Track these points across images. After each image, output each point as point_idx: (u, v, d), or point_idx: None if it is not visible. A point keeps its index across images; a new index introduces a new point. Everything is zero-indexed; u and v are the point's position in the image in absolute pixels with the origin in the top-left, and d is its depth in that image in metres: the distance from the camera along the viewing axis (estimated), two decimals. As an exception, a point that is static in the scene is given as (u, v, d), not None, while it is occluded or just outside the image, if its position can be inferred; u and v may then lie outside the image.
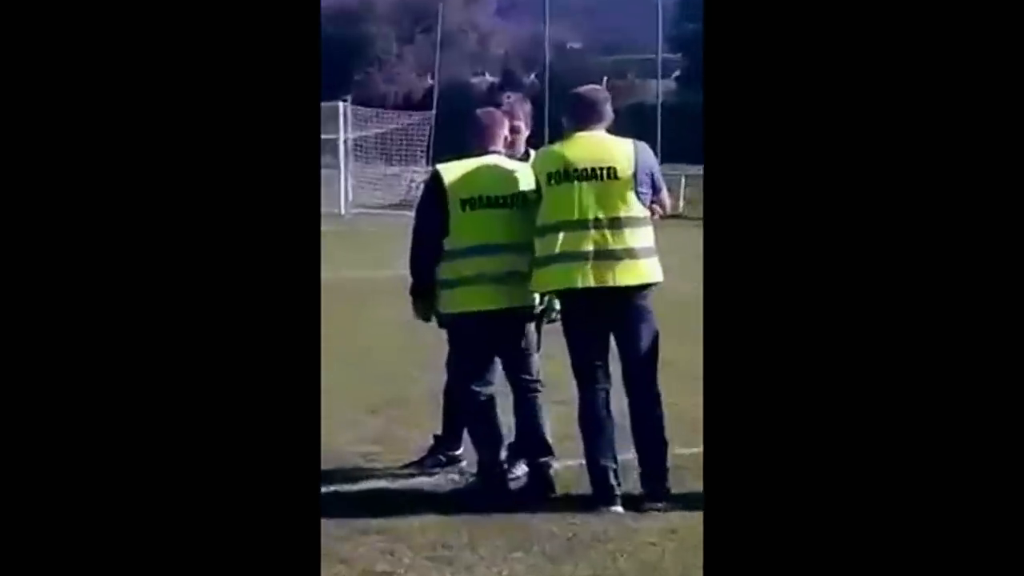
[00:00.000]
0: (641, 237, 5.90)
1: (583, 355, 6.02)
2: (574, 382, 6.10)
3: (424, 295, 6.16)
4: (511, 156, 6.35)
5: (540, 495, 6.04)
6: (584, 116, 6.08)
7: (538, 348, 6.37)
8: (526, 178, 6.08)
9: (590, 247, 5.85)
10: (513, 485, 6.20)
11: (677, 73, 55.43)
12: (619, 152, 5.95)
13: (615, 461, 5.97)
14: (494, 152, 6.15)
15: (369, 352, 10.53)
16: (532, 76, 52.27)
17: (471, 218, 5.98)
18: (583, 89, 6.37)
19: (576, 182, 5.89)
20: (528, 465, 6.19)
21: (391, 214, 29.96)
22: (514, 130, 6.42)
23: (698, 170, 33.83)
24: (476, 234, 5.99)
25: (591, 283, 5.84)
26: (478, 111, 6.38)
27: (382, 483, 6.50)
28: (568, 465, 6.53)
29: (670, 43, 52.87)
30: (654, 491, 5.97)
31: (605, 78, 32.85)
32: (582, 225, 5.86)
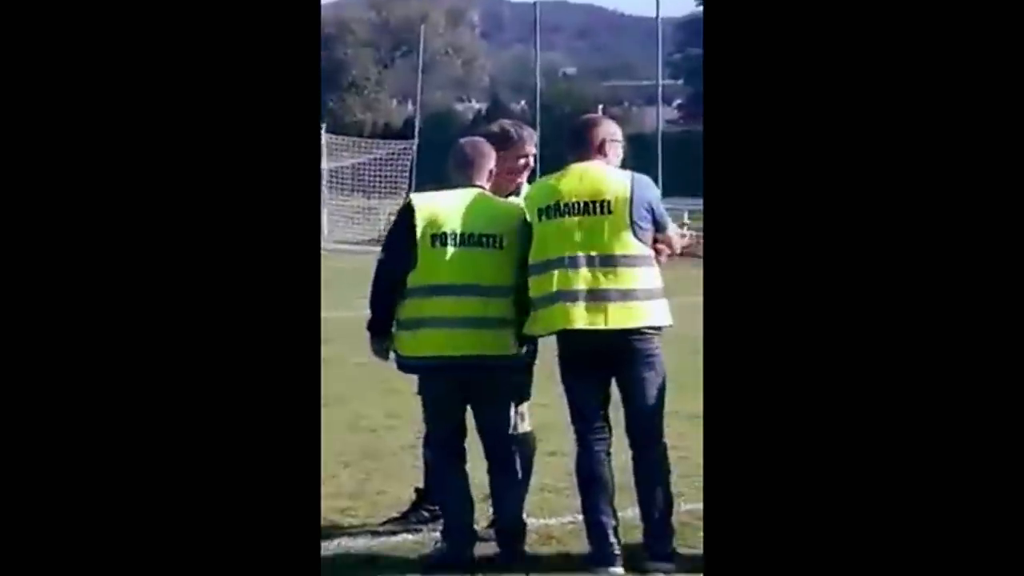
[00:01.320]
0: (640, 277, 5.84)
1: (580, 403, 5.97)
2: (571, 431, 6.04)
3: (381, 333, 6.11)
4: (513, 192, 6.30)
5: (507, 561, 5.97)
6: (579, 147, 6.05)
7: (528, 397, 6.32)
8: (512, 217, 6.03)
9: (582, 286, 5.81)
10: (487, 548, 6.12)
11: (679, 101, 55.73)
12: (614, 185, 5.90)
13: (615, 518, 5.91)
14: (478, 187, 6.10)
15: (343, 399, 10.47)
16: (521, 103, 52.49)
17: (440, 255, 5.92)
18: (582, 118, 6.35)
19: (568, 217, 5.86)
20: (497, 533, 6.12)
21: (370, 250, 29.95)
22: (526, 163, 6.38)
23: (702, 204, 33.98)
24: (444, 273, 5.92)
25: (582, 325, 5.80)
26: (462, 141, 6.30)
27: (361, 541, 6.42)
28: (564, 522, 6.48)
29: (671, 69, 53.19)
30: (658, 551, 5.90)
31: (600, 106, 32.99)
32: (573, 263, 5.82)
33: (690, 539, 6.13)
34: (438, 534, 6.22)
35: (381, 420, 9.36)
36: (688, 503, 6.55)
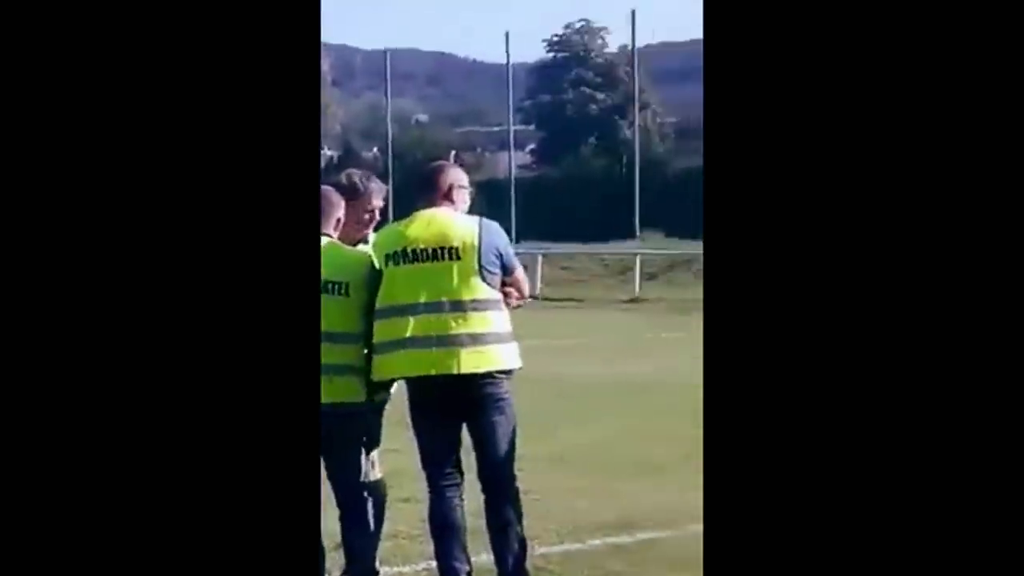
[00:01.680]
0: (490, 321, 5.86)
1: (431, 448, 5.95)
2: (423, 477, 6.01)
3: None
4: (361, 240, 6.28)
5: None
6: (427, 193, 6.07)
7: (378, 444, 6.29)
8: (359, 264, 6.03)
9: (431, 332, 5.81)
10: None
11: (532, 146, 56.09)
12: (462, 231, 5.92)
13: (469, 563, 5.89)
14: (325, 235, 6.08)
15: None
16: (374, 149, 52.46)
17: None
18: (430, 165, 6.38)
19: (416, 263, 5.86)
20: None
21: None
22: (371, 216, 6.35)
23: (559, 247, 34.19)
24: None
25: (433, 371, 5.79)
26: None
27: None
28: (418, 569, 6.44)
29: (523, 114, 53.56)
30: (512, 596, 5.88)
31: (452, 152, 33.06)
32: (422, 308, 5.82)
33: (544, 583, 6.13)
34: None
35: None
36: (541, 547, 6.56)
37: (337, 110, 65.39)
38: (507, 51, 40.50)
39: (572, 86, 55.44)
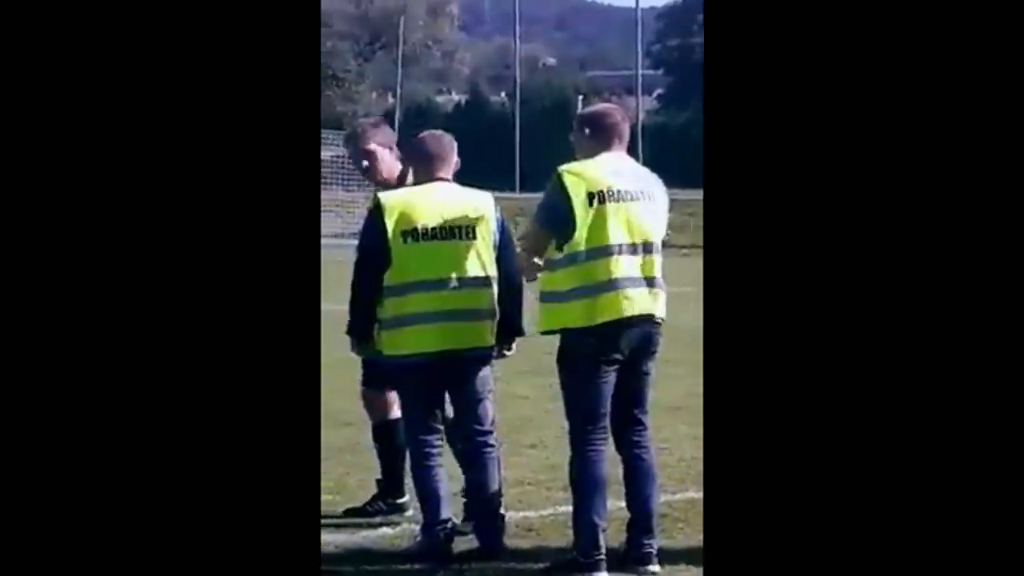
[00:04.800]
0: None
1: (595, 402, 5.71)
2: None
3: (362, 333, 6.07)
4: (385, 184, 6.30)
5: (487, 554, 5.94)
6: (605, 135, 5.90)
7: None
8: (478, 207, 6.01)
9: (639, 274, 5.68)
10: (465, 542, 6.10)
11: (660, 91, 55.74)
12: (652, 177, 5.92)
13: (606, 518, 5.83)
14: (442, 179, 6.06)
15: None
16: (502, 94, 52.49)
17: (414, 251, 5.87)
18: (604, 107, 6.28)
19: (621, 203, 5.68)
20: (475, 523, 6.08)
21: (346, 244, 29.93)
22: (368, 155, 6.38)
23: (687, 194, 33.92)
24: (419, 269, 5.89)
25: (634, 313, 5.63)
26: (424, 135, 6.20)
27: (342, 536, 6.38)
28: (544, 515, 6.47)
29: (651, 59, 53.21)
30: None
31: (580, 96, 32.96)
32: (627, 250, 5.66)
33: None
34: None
35: (359, 414, 9.33)
36: (664, 494, 6.55)
37: (464, 54, 65.55)
38: (636, -6, 40.24)
39: (701, 30, 54.95)
